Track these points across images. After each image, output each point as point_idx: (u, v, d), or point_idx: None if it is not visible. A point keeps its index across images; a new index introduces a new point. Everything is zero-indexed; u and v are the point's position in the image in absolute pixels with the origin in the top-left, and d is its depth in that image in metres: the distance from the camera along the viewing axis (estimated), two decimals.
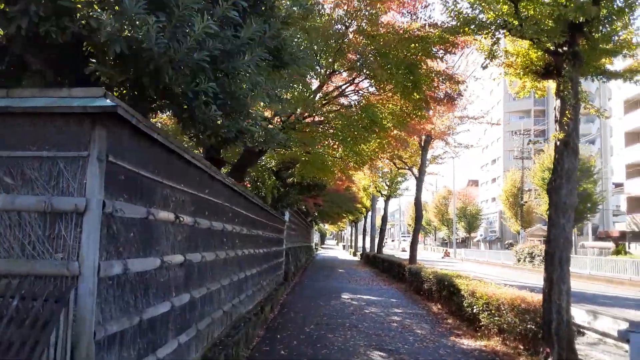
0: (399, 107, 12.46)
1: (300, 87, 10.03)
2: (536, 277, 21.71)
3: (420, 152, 20.70)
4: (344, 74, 12.37)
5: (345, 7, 10.34)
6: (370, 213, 40.48)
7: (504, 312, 7.66)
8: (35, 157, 2.84)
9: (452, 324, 9.75)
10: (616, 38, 6.93)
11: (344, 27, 10.49)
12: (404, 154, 21.82)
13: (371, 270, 26.99)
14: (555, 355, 6.15)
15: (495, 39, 7.47)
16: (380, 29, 10.30)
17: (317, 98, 11.41)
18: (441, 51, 11.30)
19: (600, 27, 6.72)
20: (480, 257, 47.13)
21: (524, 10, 6.73)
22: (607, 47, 6.98)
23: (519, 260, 35.23)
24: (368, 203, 38.45)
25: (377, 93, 12.35)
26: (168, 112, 4.90)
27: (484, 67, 8.13)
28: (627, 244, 37.49)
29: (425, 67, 11.21)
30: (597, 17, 6.34)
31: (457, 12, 7.56)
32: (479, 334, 8.38)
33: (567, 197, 6.57)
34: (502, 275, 24.79)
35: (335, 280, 20.23)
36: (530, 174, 40.42)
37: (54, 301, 2.44)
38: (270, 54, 5.04)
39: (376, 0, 9.86)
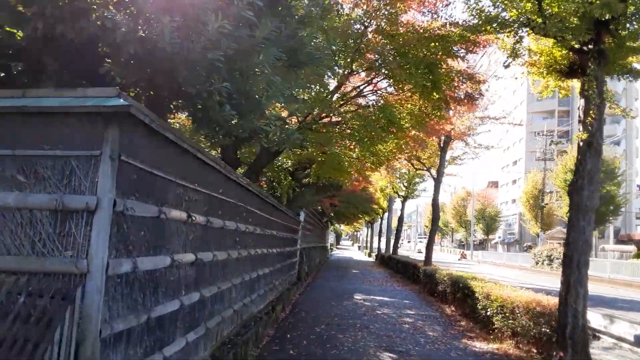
0: (417, 107, 12.31)
1: (318, 88, 9.98)
2: (554, 280, 21.22)
3: (439, 152, 20.43)
4: (362, 74, 12.27)
5: (365, 7, 10.24)
6: (386, 214, 40.23)
7: (519, 315, 7.53)
8: (48, 155, 2.86)
9: (465, 326, 9.61)
10: None
11: (362, 27, 10.38)
12: (422, 155, 21.56)
13: (386, 271, 26.82)
14: (569, 358, 6.02)
15: (518, 38, 7.31)
16: (400, 28, 10.17)
17: (334, 98, 11.34)
18: (462, 50, 11.11)
19: (627, 25, 6.54)
20: (497, 259, 46.45)
21: (547, 7, 6.55)
22: (634, 45, 6.78)
23: (537, 263, 34.62)
24: (385, 204, 38.18)
25: (396, 93, 12.21)
26: (184, 113, 4.92)
27: (506, 66, 7.97)
28: None
29: (445, 67, 11.04)
30: (624, 14, 6.14)
31: (479, 11, 7.41)
32: (491, 336, 8.26)
33: (589, 199, 6.40)
34: (518, 278, 24.37)
35: (348, 280, 20.15)
36: (552, 176, 39.63)
37: (61, 298, 2.46)
38: (286, 54, 5.01)
39: (396, 0, 9.74)
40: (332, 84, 11.63)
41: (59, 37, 2.79)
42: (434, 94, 11.12)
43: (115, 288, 2.99)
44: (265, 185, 12.94)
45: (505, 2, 6.95)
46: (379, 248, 42.25)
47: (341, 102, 11.87)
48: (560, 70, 7.48)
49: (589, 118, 6.53)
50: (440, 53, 10.44)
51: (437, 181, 20.92)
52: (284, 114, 8.86)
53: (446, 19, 10.76)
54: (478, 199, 63.48)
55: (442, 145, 20.05)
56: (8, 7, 2.79)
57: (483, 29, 7.63)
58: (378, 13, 10.10)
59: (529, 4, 6.66)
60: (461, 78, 11.94)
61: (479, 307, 9.07)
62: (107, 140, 2.86)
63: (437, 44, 10.15)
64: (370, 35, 10.55)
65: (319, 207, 24.95)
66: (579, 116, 6.82)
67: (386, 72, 10.89)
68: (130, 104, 2.79)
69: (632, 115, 9.54)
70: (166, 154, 3.64)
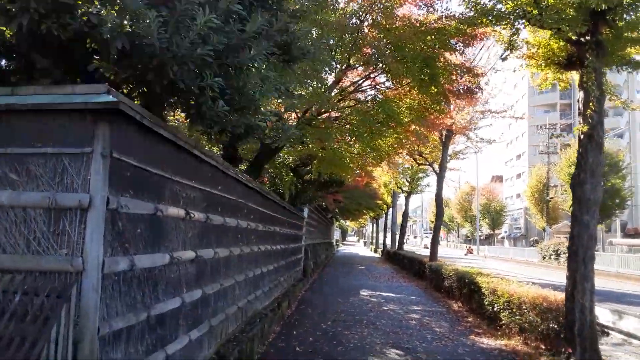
0: (416, 101, 12.25)
1: (315, 83, 9.95)
2: (561, 274, 21.07)
3: (441, 147, 20.35)
4: (360, 69, 12.23)
5: (360, 1, 10.20)
6: (391, 209, 40.14)
7: (526, 310, 7.47)
8: (40, 153, 2.86)
9: (472, 322, 9.55)
10: None
11: (358, 21, 10.35)
12: (424, 150, 21.47)
13: (391, 267, 26.78)
14: (578, 355, 5.96)
15: (514, 30, 7.26)
16: (396, 22, 10.12)
17: (333, 94, 11.32)
18: (459, 44, 11.04)
19: (625, 15, 6.43)
20: (504, 254, 46.21)
21: None
22: (633, 35, 6.68)
23: (543, 258, 34.39)
24: (389, 199, 38.08)
25: (394, 87, 12.16)
26: (179, 109, 4.90)
27: (504, 59, 7.93)
28: None
29: (442, 60, 10.98)
30: (621, 4, 6.07)
31: (474, 3, 7.38)
32: (499, 333, 8.19)
33: (591, 193, 6.32)
34: (525, 273, 24.23)
35: (354, 276, 20.14)
36: (557, 169, 39.40)
37: (56, 296, 2.45)
38: (279, 49, 5.00)
39: None
40: (330, 79, 11.61)
41: (46, 34, 2.78)
42: (432, 87, 11.05)
43: (112, 286, 2.98)
44: (267, 182, 12.94)
45: None
46: (384, 244, 42.13)
47: (339, 98, 11.84)
48: (558, 62, 7.41)
49: (589, 110, 6.46)
50: (436, 46, 10.37)
51: (440, 176, 20.84)
52: (282, 109, 8.85)
53: (442, 12, 10.70)
54: (482, 194, 63.21)
55: (443, 139, 19.96)
56: None
57: (479, 21, 7.59)
58: (374, 7, 10.06)
59: None
60: (459, 71, 11.86)
61: (486, 303, 9.02)
62: (98, 137, 2.86)
63: (433, 37, 10.09)
64: (366, 30, 10.51)
65: (323, 203, 24.93)
66: (579, 109, 6.75)
67: (383, 66, 10.85)
68: (120, 100, 2.78)
69: (633, 107, 9.45)
70: (161, 150, 3.63)
